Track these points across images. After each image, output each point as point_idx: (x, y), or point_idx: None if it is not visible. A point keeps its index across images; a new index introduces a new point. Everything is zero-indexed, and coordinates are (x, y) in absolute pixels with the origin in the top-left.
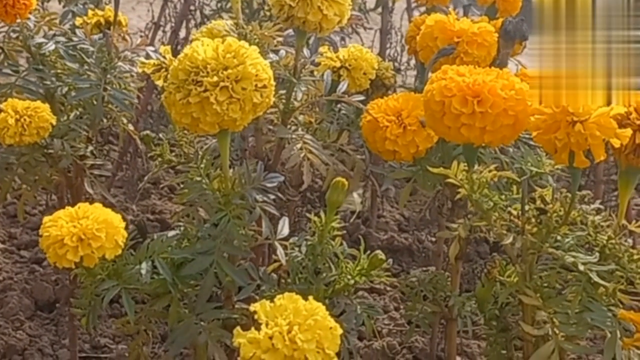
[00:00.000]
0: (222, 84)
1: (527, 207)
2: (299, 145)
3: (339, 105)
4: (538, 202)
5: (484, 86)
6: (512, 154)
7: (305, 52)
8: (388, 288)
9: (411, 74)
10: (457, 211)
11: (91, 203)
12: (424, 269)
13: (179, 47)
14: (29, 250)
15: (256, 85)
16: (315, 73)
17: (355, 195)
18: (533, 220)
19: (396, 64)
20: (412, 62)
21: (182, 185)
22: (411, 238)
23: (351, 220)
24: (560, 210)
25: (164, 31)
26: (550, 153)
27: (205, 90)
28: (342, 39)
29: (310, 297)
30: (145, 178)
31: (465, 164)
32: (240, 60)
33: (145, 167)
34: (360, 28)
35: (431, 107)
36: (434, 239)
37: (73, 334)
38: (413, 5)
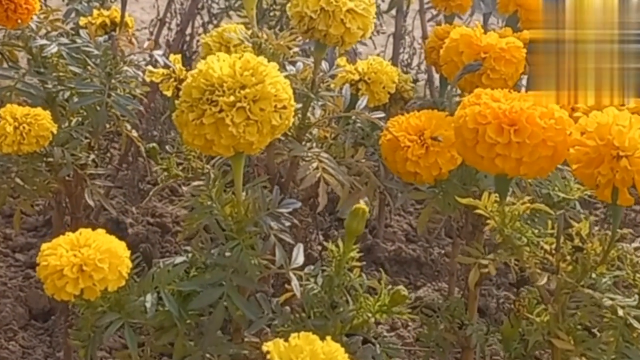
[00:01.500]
0: (238, 104)
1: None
2: (314, 165)
3: (353, 117)
4: (576, 240)
5: (521, 114)
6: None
7: (324, 64)
8: None
9: (422, 77)
10: (478, 235)
11: (90, 212)
12: (435, 286)
13: (185, 47)
14: (24, 253)
15: (275, 106)
16: (332, 85)
17: (362, 202)
18: (568, 257)
19: (409, 69)
20: (423, 66)
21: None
22: (419, 249)
23: None
24: (597, 248)
25: (169, 28)
26: (591, 188)
27: (221, 111)
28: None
29: (328, 337)
30: (150, 193)
31: (497, 195)
32: (259, 78)
33: (147, 169)
34: (374, 32)
35: (463, 135)
36: (443, 251)
37: (68, 346)
38: (426, 7)
